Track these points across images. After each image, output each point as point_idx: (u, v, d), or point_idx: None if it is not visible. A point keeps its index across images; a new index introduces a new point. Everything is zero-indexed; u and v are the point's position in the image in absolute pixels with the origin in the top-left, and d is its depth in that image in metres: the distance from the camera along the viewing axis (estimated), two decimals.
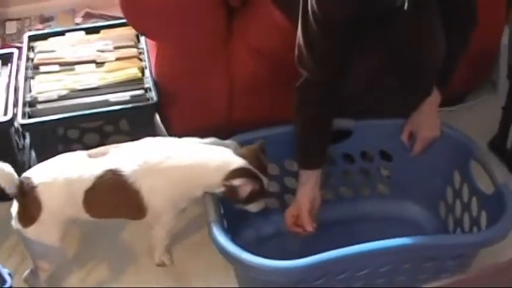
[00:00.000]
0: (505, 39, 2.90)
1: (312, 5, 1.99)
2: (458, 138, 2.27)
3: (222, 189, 2.03)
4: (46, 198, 1.99)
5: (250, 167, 2.05)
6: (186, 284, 2.25)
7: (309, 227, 2.15)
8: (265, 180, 2.09)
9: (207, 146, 2.09)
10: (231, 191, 2.02)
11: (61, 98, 2.42)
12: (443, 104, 2.29)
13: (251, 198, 2.07)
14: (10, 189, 1.96)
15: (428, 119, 2.26)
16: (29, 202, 1.99)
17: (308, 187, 2.17)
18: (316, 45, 2.06)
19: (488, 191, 2.16)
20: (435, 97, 2.25)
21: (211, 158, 2.05)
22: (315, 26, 2.02)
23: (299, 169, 2.19)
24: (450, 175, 2.33)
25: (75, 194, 2.01)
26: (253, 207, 2.13)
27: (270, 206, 2.31)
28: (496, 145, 2.74)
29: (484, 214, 2.17)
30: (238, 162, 2.05)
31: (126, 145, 2.10)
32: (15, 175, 1.97)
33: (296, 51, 2.12)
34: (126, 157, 2.04)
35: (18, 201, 2.00)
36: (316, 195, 2.19)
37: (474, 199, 2.22)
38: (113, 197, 2.04)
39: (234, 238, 2.00)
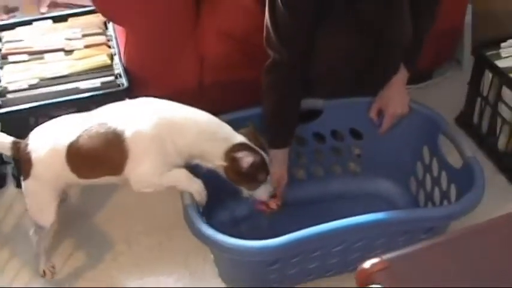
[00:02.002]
0: (468, 18, 2.95)
1: None
2: (427, 114, 2.32)
3: (223, 163, 2.04)
4: (36, 155, 2.06)
5: (249, 142, 2.07)
6: (165, 268, 2.27)
7: (273, 205, 2.18)
8: (265, 156, 2.10)
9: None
10: (234, 162, 2.03)
11: (31, 87, 2.41)
12: (410, 81, 2.34)
13: (256, 173, 2.07)
14: (7, 152, 2.12)
15: (396, 96, 2.29)
16: (24, 159, 2.08)
17: (276, 165, 2.19)
18: (283, 26, 2.08)
19: (456, 165, 2.20)
20: (403, 74, 2.28)
21: (223, 126, 2.08)
22: (281, 7, 2.04)
23: (267, 148, 2.21)
24: (420, 150, 2.37)
25: (60, 150, 2.04)
26: (261, 193, 2.13)
27: None
28: (463, 120, 2.79)
29: (453, 187, 2.22)
30: (240, 138, 2.07)
31: (120, 102, 2.15)
32: (8, 138, 2.11)
33: (264, 33, 2.14)
34: (120, 110, 2.08)
35: (16, 158, 2.14)
36: (283, 173, 2.22)
37: (443, 173, 2.27)
38: (95, 146, 2.02)
39: (209, 221, 2.01)
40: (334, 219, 1.97)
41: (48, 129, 2.11)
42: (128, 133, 2.00)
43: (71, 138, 2.04)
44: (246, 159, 2.02)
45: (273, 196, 2.17)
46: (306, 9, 2.06)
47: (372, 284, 1.23)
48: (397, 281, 1.23)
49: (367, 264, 1.27)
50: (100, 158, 2.05)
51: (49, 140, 2.07)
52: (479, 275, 1.25)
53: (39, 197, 2.13)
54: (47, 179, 2.09)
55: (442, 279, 1.25)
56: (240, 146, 2.05)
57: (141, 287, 2.22)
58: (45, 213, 2.15)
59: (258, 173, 2.08)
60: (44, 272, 2.22)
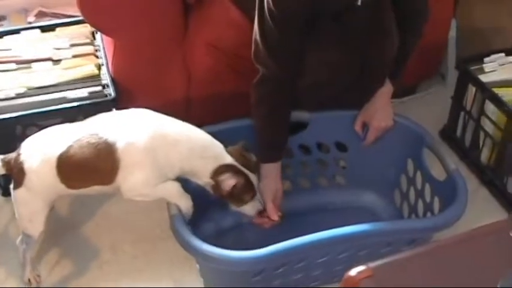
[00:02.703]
0: (452, 32, 2.99)
1: (267, 1, 2.04)
2: (411, 128, 2.34)
3: (210, 180, 2.07)
4: (28, 165, 2.06)
5: (236, 163, 2.09)
6: (150, 277, 2.28)
7: (275, 216, 2.20)
8: (252, 175, 2.12)
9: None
10: (215, 185, 2.07)
11: (18, 96, 2.41)
12: (394, 95, 2.36)
13: (240, 194, 2.10)
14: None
15: (380, 109, 2.32)
16: (16, 169, 2.08)
17: (270, 179, 2.22)
18: (272, 41, 2.10)
19: (440, 177, 2.23)
20: (388, 88, 2.31)
21: (215, 144, 2.10)
22: (270, 21, 2.06)
23: (260, 163, 2.23)
24: (404, 163, 2.40)
25: (51, 160, 2.05)
26: (249, 209, 2.16)
27: None
28: (446, 134, 2.82)
29: (436, 200, 2.24)
30: (228, 158, 2.09)
31: (111, 113, 2.16)
32: None
33: (253, 47, 2.16)
34: (112, 121, 2.09)
35: (9, 173, 2.12)
36: (278, 186, 2.24)
37: (427, 186, 2.29)
38: (86, 156, 2.03)
39: (194, 232, 2.02)
40: (319, 231, 1.98)
41: (40, 139, 2.11)
42: (119, 144, 2.01)
43: (62, 148, 2.05)
44: (228, 182, 2.05)
45: (260, 212, 2.20)
46: (294, 24, 2.08)
47: None
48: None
49: (353, 271, 1.29)
50: (90, 168, 2.05)
51: (41, 150, 2.07)
52: (463, 283, 1.27)
53: (30, 206, 2.13)
54: (39, 189, 2.09)
55: (425, 286, 1.27)
56: (226, 167, 2.07)
57: None
58: (35, 222, 2.16)
59: (242, 194, 2.11)
60: (29, 280, 2.22)
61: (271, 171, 2.22)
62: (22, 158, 2.07)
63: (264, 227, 2.23)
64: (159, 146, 2.03)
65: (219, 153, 2.09)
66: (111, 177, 2.05)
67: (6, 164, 2.10)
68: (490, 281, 1.23)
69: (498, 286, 1.19)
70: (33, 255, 2.26)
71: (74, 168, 2.05)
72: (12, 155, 2.10)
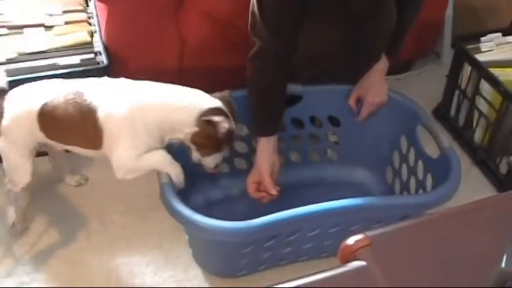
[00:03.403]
0: (449, 11, 2.97)
1: None
2: (406, 104, 2.32)
3: (194, 128, 2.00)
4: (8, 112, 2.07)
5: (225, 108, 2.04)
6: (138, 247, 2.26)
7: (273, 191, 2.19)
8: (234, 126, 2.07)
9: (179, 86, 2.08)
10: (209, 126, 1.98)
11: (9, 61, 2.39)
12: (389, 72, 2.34)
13: (224, 142, 2.04)
14: None
15: (376, 85, 2.30)
16: None
17: (267, 153, 2.20)
18: (270, 14, 2.08)
19: (433, 155, 2.21)
20: (383, 64, 2.29)
21: (187, 93, 2.05)
22: None
23: (256, 136, 2.21)
24: (397, 140, 2.38)
25: (33, 108, 2.04)
26: (211, 161, 2.09)
27: (238, 166, 2.38)
28: (440, 113, 2.81)
29: (429, 177, 2.23)
30: (214, 102, 2.04)
31: (102, 79, 2.12)
32: None
33: (250, 19, 2.14)
34: (98, 87, 2.07)
35: None
36: (275, 159, 2.22)
37: (420, 163, 2.28)
38: (69, 113, 2.02)
39: (184, 203, 1.98)
40: (311, 205, 1.97)
41: (26, 89, 2.12)
42: (100, 112, 1.99)
43: (47, 98, 2.04)
44: (224, 124, 1.98)
45: (258, 186, 2.20)
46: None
47: (355, 261, 1.23)
48: (380, 258, 1.23)
49: (350, 240, 1.27)
50: (73, 127, 2.05)
51: (24, 99, 2.08)
52: (463, 254, 1.26)
53: (11, 156, 2.15)
54: (15, 137, 2.10)
55: (423, 257, 1.25)
56: (216, 111, 2.01)
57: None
58: (18, 172, 2.17)
59: (226, 141, 2.06)
60: (13, 223, 2.25)
61: (267, 144, 2.20)
62: (4, 104, 2.09)
63: (263, 202, 2.21)
64: (137, 115, 2.00)
65: (199, 98, 2.04)
66: (97, 143, 2.03)
67: None
68: (489, 253, 1.21)
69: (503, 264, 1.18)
70: (22, 207, 2.26)
71: (56, 121, 2.05)
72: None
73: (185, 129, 2.01)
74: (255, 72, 2.19)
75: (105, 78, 2.13)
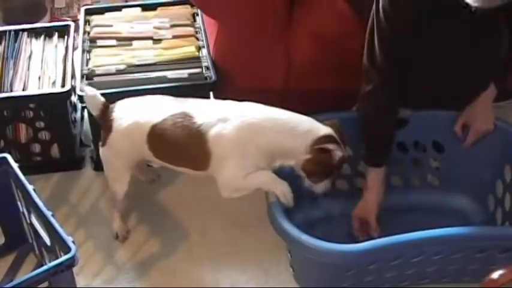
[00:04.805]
0: None
1: (383, 5, 2.04)
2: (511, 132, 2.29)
3: (307, 156, 2.01)
4: (117, 124, 2.13)
5: (335, 135, 2.06)
6: (237, 264, 2.28)
7: (375, 234, 2.21)
8: (346, 153, 2.09)
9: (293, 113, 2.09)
10: (323, 154, 2.01)
11: (119, 72, 2.44)
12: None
13: (337, 168, 2.07)
14: (94, 111, 2.19)
15: (482, 112, 2.28)
16: (105, 125, 2.17)
17: (375, 192, 2.23)
18: (388, 42, 2.10)
19: None
20: (491, 91, 2.27)
21: (300, 120, 2.07)
22: (385, 23, 2.06)
23: (366, 168, 2.24)
24: (501, 168, 2.34)
25: (143, 126, 2.10)
26: (322, 187, 2.10)
27: (339, 186, 2.37)
28: None
29: None
30: (326, 129, 2.05)
31: (209, 100, 2.20)
32: (101, 99, 2.19)
33: (366, 52, 2.15)
34: (207, 108, 2.11)
35: (99, 122, 2.21)
36: (382, 197, 2.24)
37: None
38: (178, 136, 2.06)
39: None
40: (410, 230, 1.97)
41: (136, 103, 2.17)
42: (210, 136, 2.03)
43: (157, 118, 2.08)
44: (337, 152, 2.02)
45: (361, 225, 2.22)
46: (408, 25, 2.07)
47: None
48: None
49: (495, 275, 1.25)
50: (181, 149, 2.09)
51: (134, 114, 2.12)
52: None
53: (112, 165, 2.22)
54: (120, 149, 2.16)
55: None
56: (328, 138, 2.03)
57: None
58: (119, 181, 2.24)
59: (339, 168, 2.08)
60: (117, 234, 2.31)
61: (375, 181, 2.23)
62: (114, 115, 2.14)
63: (359, 239, 2.22)
64: (247, 135, 2.03)
65: (312, 126, 2.05)
66: (204, 165, 2.08)
67: (102, 110, 2.17)
68: None
69: None
70: (121, 211, 2.32)
71: (165, 143, 2.10)
72: (110, 107, 2.17)
73: (297, 156, 2.04)
74: (370, 110, 2.22)
75: (212, 99, 2.15)
